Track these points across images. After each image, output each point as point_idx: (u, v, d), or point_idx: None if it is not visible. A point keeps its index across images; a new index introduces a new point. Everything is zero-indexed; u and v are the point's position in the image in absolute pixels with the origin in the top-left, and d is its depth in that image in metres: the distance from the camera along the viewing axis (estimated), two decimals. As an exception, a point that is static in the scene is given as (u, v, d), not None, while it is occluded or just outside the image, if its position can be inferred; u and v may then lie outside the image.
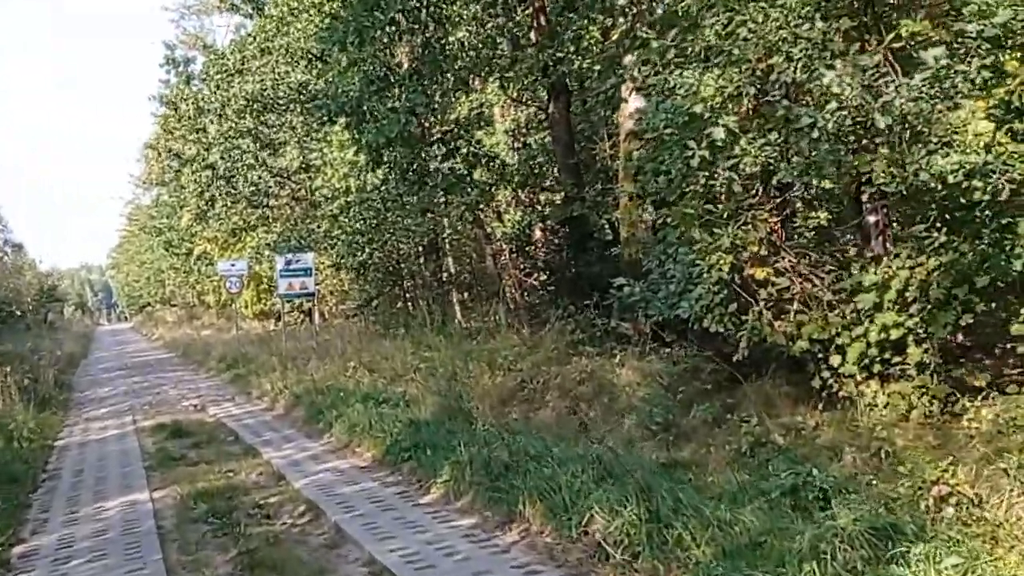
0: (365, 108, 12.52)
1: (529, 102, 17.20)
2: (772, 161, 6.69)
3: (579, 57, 15.89)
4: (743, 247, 7.28)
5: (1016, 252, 5.81)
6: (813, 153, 6.19)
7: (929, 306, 6.20)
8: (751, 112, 7.09)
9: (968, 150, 5.14)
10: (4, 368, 17.33)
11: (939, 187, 5.50)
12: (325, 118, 14.86)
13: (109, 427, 14.18)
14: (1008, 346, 6.41)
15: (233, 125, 21.63)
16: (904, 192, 6.72)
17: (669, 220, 8.50)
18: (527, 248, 20.72)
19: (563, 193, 16.20)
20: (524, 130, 19.57)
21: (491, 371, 12.59)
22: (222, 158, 22.61)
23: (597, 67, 15.38)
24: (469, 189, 12.70)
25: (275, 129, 21.96)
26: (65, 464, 10.92)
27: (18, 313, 43.16)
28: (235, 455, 10.55)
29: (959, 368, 6.63)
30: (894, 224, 7.23)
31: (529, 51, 15.52)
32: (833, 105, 5.66)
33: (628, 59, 12.58)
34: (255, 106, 21.18)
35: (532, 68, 15.43)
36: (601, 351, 12.72)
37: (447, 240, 23.06)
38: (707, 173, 7.60)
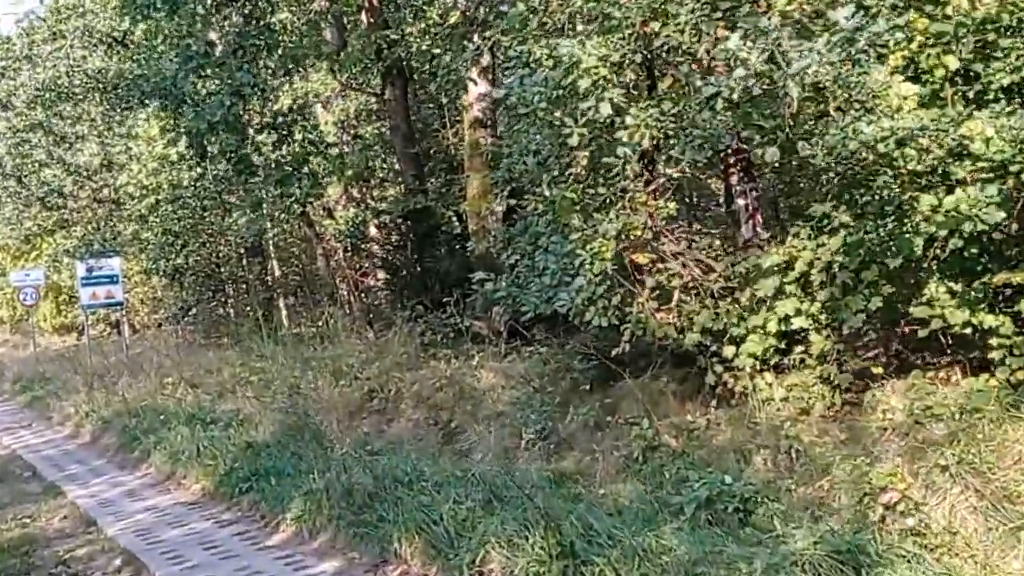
0: (183, 90, 10.93)
1: (361, 89, 16.01)
2: (667, 135, 6.00)
3: (416, 40, 14.90)
4: (627, 233, 6.58)
5: (920, 230, 5.40)
6: (713, 124, 5.54)
7: (834, 291, 5.70)
8: (637, 82, 6.41)
9: (895, 115, 4.63)
10: None
11: (869, 157, 4.97)
12: (135, 102, 13.07)
13: None
14: (907, 329, 6.04)
15: (23, 117, 19.04)
16: (797, 168, 6.25)
17: (540, 207, 7.72)
18: (363, 247, 19.60)
19: (402, 186, 15.18)
20: (354, 121, 18.35)
21: (335, 381, 11.40)
22: (9, 154, 19.90)
23: (436, 49, 14.47)
24: (303, 180, 11.37)
25: (70, 122, 19.51)
26: None
27: None
28: (33, 495, 8.83)
29: (858, 356, 6.21)
30: (788, 203, 6.75)
31: (360, 33, 14.40)
32: (740, 72, 5.01)
33: (475, 39, 11.78)
34: (47, 96, 18.71)
35: (364, 52, 14.34)
36: (457, 353, 11.84)
37: (273, 240, 21.53)
38: (588, 153, 6.87)
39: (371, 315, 17.04)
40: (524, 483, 5.92)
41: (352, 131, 18.25)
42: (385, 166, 17.15)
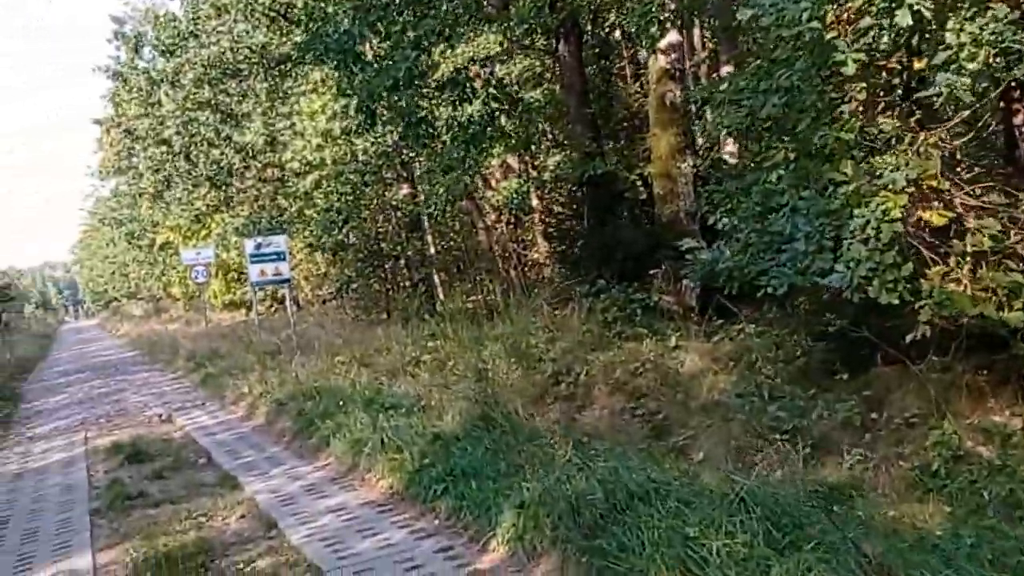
0: (357, 48, 10.04)
1: (530, 48, 14.84)
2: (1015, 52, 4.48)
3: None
4: (921, 183, 5.10)
5: None
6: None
7: None
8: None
9: None
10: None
11: None
12: (308, 64, 12.36)
13: (54, 448, 11.79)
14: None
15: (190, 95, 19.08)
16: None
17: (780, 157, 6.31)
18: (525, 218, 18.64)
19: (567, 151, 13.92)
20: (516, 86, 17.25)
21: (518, 362, 10.40)
22: (178, 133, 20.06)
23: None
24: (497, 140, 10.31)
25: (236, 99, 19.41)
26: (-13, 512, 8.55)
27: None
28: (209, 487, 8.25)
29: None
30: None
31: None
32: None
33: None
34: (213, 73, 18.64)
35: (537, 5, 13.15)
36: (647, 332, 10.59)
37: (436, 214, 20.85)
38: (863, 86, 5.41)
39: (538, 290, 16.02)
40: (794, 502, 4.62)
41: (515, 95, 17.20)
42: (554, 131, 15.97)
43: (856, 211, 5.13)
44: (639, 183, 12.88)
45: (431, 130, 10.69)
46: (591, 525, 4.84)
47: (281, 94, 20.24)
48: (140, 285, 52.34)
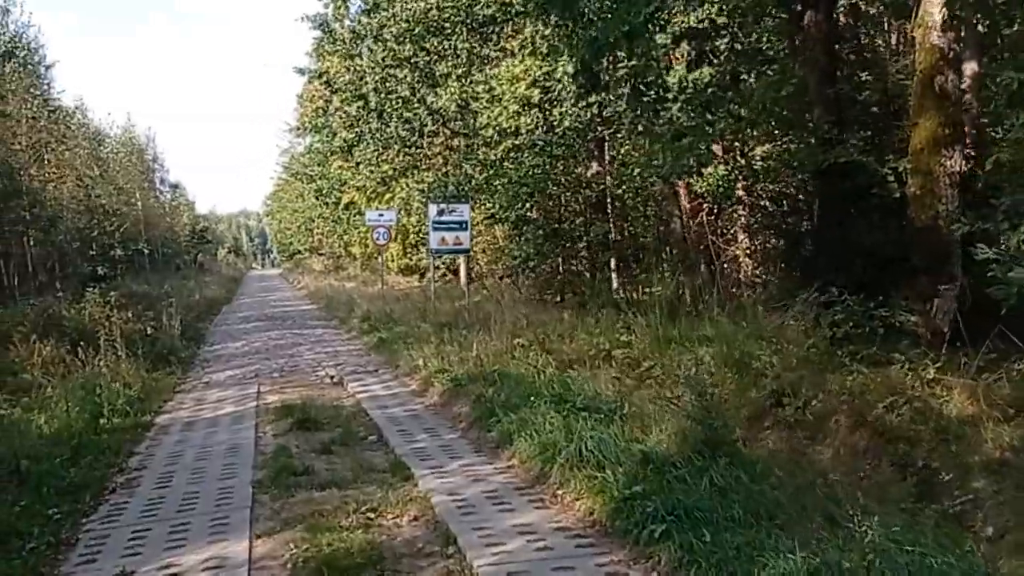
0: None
1: (767, 15, 13.12)
2: None
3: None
4: None
5: None
6: None
7: None
8: None
9: None
10: (122, 314, 15.06)
11: None
12: (536, 11, 11.28)
13: (227, 400, 11.45)
14: None
15: (392, 51, 18.59)
16: None
17: None
18: (735, 209, 17.02)
19: (814, 135, 12.15)
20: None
21: (734, 374, 8.96)
22: (375, 90, 19.68)
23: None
24: (734, 106, 8.88)
25: (436, 58, 18.75)
26: (152, 464, 8.04)
27: (167, 252, 42.68)
28: (378, 472, 7.38)
29: None
30: None
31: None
32: None
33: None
34: (417, 29, 18.04)
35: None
36: (889, 357, 8.86)
37: (625, 196, 19.55)
38: None
39: (741, 291, 14.53)
40: None
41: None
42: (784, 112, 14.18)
43: None
44: (891, 179, 10.99)
45: (662, 92, 9.32)
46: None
47: (480, 57, 19.46)
48: (323, 241, 54.00)
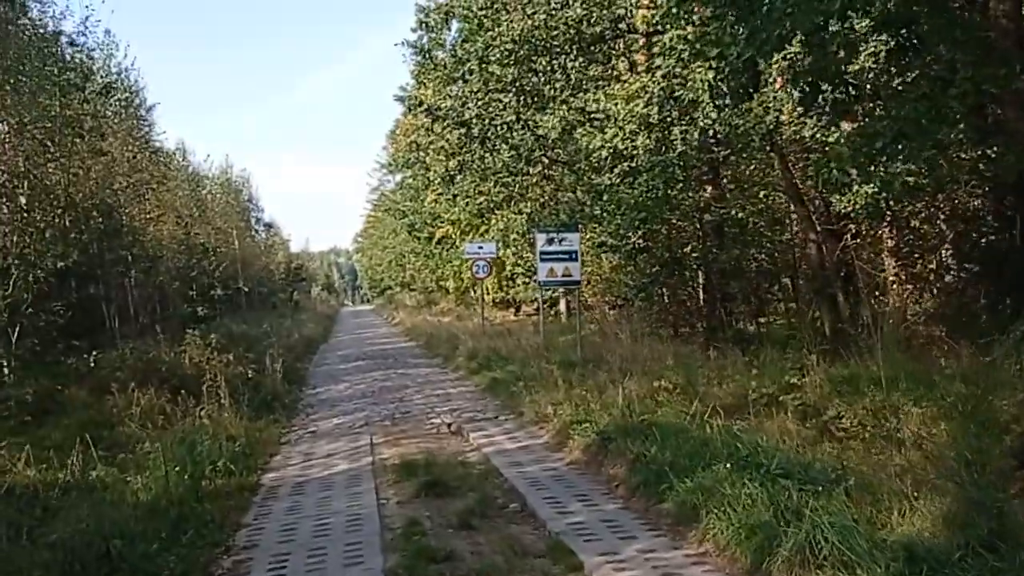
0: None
1: None
2: None
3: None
4: None
5: None
6: None
7: None
8: None
9: None
10: (223, 356, 14.18)
11: None
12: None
13: (338, 454, 10.26)
14: None
15: (496, 73, 17.43)
16: None
17: None
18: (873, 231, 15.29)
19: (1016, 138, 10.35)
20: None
21: (958, 426, 7.24)
22: (479, 116, 18.54)
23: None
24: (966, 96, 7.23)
25: (543, 78, 17.48)
26: (261, 542, 6.79)
27: (263, 291, 42.60)
28: (535, 558, 5.97)
29: None
30: None
31: None
32: None
33: None
34: (523, 50, 16.86)
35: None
36: None
37: (747, 220, 17.96)
38: None
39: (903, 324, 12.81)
40: None
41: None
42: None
43: None
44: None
45: (854, 87, 7.71)
46: None
47: (588, 77, 18.17)
48: (415, 276, 53.48)
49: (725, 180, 17.82)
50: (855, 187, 13.42)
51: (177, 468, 8.68)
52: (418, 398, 14.62)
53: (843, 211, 14.62)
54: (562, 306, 29.21)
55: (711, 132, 15.01)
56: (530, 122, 19.28)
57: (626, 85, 16.63)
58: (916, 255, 14.75)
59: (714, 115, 12.27)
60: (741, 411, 9.73)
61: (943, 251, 12.34)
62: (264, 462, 10.02)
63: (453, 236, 36.34)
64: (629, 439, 8.51)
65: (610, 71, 19.40)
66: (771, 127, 13.61)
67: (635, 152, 16.47)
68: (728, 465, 6.76)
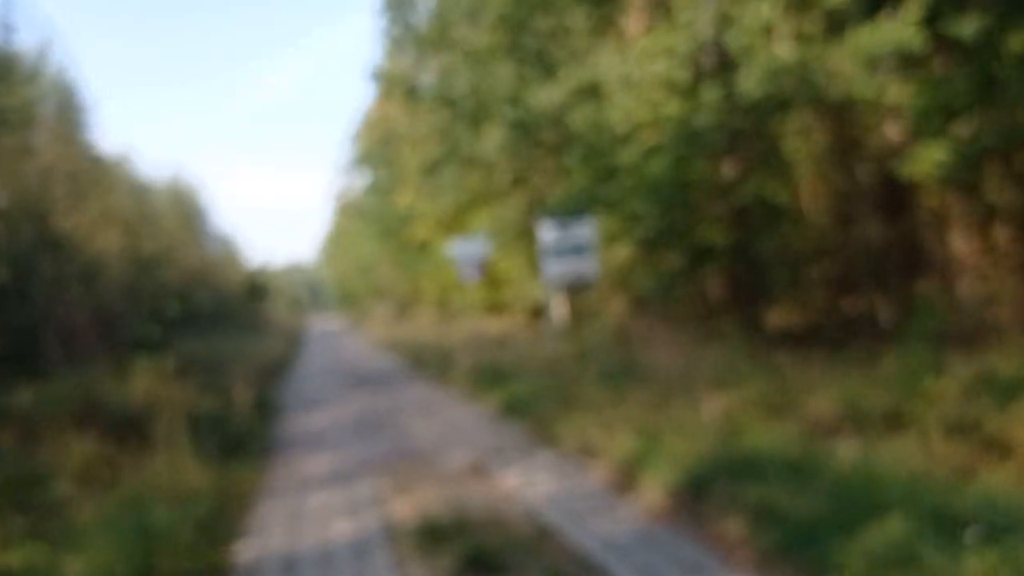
0: None
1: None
2: None
3: None
4: None
5: None
6: None
7: None
8: None
9: None
10: (181, 385, 11.74)
11: None
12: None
13: (335, 510, 7.85)
14: None
15: (487, 40, 15.17)
16: None
17: None
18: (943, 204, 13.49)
19: None
20: None
21: None
22: (471, 92, 16.23)
23: None
24: None
25: (547, 38, 15.19)
26: None
27: (223, 309, 39.79)
28: None
29: None
30: None
31: None
32: None
33: None
34: (521, 9, 14.61)
35: None
36: None
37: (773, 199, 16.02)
38: None
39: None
40: None
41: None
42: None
43: None
44: None
45: None
46: None
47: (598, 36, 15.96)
48: (389, 284, 50.85)
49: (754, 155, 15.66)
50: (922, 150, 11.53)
51: (124, 546, 6.40)
52: (420, 428, 12.19)
53: (907, 179, 12.67)
54: (557, 308, 26.90)
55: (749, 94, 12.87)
56: (536, 92, 16.84)
57: (653, 41, 14.33)
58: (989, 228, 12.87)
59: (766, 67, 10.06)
60: (846, 429, 7.66)
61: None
62: (239, 526, 7.61)
63: (431, 237, 33.83)
64: (733, 478, 6.28)
65: (622, 33, 17.13)
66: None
67: (661, 121, 14.33)
68: (906, 517, 4.56)
